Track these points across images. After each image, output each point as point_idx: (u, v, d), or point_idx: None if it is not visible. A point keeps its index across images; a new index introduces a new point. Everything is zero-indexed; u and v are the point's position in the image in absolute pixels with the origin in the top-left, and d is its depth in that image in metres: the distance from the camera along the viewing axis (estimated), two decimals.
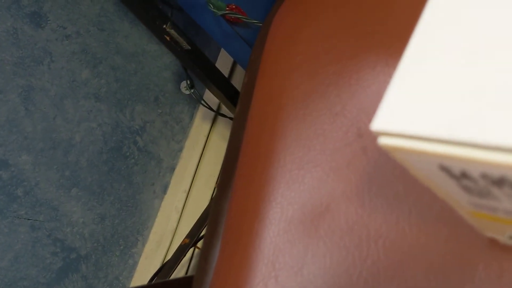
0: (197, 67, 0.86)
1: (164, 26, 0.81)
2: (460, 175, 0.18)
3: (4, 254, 0.90)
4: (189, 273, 0.97)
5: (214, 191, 1.16)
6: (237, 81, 1.21)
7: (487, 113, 0.17)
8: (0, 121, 0.91)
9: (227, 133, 1.20)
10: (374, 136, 0.34)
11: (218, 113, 1.18)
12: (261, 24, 0.50)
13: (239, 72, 1.23)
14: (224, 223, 0.44)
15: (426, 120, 0.18)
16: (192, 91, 1.16)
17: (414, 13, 0.36)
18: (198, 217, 0.97)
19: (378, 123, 0.19)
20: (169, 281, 0.44)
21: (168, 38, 0.82)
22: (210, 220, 0.47)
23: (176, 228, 1.13)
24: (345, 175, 0.35)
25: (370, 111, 0.35)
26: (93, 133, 1.04)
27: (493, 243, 0.26)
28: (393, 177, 0.31)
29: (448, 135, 0.17)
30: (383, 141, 0.19)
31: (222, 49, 1.23)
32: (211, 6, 0.78)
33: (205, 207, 1.04)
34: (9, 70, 0.93)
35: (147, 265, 1.10)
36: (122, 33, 1.10)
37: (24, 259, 0.93)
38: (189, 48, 0.84)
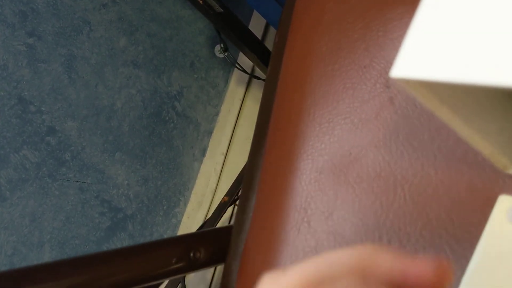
0: (230, 30, 0.87)
1: None
2: None
3: (56, 214, 0.96)
4: None
5: None
6: (270, 43, 1.21)
7: (498, 59, 0.18)
8: (46, 89, 0.95)
9: (261, 96, 1.20)
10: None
11: (252, 75, 1.19)
12: None
13: (272, 34, 1.22)
14: (259, 177, 0.46)
15: (441, 67, 0.19)
16: (226, 54, 1.17)
17: None
18: (236, 177, 1.00)
19: (396, 71, 0.21)
20: (211, 230, 0.47)
21: (200, 1, 0.82)
22: (245, 175, 0.49)
23: (216, 188, 1.17)
24: (374, 125, 0.36)
25: None
26: (133, 99, 1.08)
27: None
28: (419, 124, 0.32)
29: (462, 80, 0.18)
30: (395, 74, 0.21)
31: (255, 11, 1.23)
32: None
33: (242, 168, 1.06)
34: (51, 41, 0.96)
35: (190, 223, 1.15)
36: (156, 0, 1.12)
37: (75, 219, 0.99)
38: (222, 11, 0.84)
